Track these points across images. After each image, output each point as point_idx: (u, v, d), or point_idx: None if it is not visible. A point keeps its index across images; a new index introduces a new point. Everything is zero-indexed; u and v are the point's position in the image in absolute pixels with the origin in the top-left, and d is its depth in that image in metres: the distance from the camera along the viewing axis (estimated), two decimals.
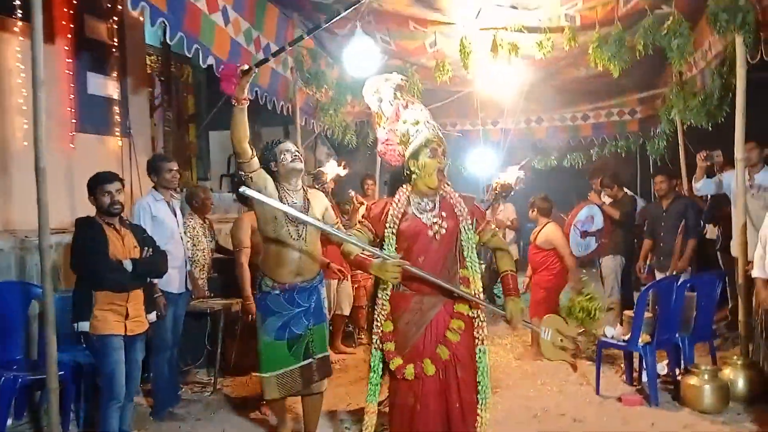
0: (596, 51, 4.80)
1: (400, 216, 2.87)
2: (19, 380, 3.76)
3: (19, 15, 5.27)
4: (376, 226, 2.88)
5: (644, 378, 4.67)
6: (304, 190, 3.50)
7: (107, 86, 6.20)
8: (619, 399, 4.49)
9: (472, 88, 6.52)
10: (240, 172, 3.22)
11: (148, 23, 4.04)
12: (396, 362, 2.80)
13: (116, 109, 6.26)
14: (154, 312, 3.86)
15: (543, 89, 7.14)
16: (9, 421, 3.88)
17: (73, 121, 5.65)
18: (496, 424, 3.37)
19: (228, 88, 2.72)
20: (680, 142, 7.04)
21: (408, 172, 2.90)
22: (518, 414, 4.26)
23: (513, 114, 7.53)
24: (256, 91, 5.34)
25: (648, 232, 5.88)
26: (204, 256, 5.07)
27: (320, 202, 3.55)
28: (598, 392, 4.64)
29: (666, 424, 4.03)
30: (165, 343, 4.32)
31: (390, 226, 2.85)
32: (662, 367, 4.84)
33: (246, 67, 2.95)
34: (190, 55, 4.37)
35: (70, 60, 5.62)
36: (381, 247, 2.83)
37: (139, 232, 3.74)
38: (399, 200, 2.92)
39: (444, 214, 2.87)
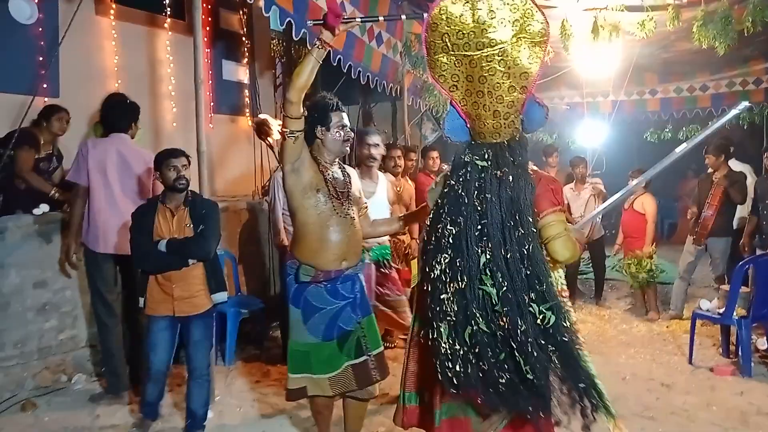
0: (700, 29, 4.72)
1: None
2: None
3: (168, 12, 6.09)
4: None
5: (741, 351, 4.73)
6: (339, 164, 3.02)
7: (238, 72, 6.96)
8: (711, 369, 4.60)
9: (577, 63, 6.60)
10: (284, 130, 2.77)
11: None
12: None
13: (246, 92, 7.04)
14: (224, 292, 3.49)
15: (655, 62, 7.02)
16: None
17: (212, 104, 6.46)
18: None
19: (333, 20, 2.62)
20: None
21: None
22: (606, 377, 4.29)
23: (623, 86, 7.47)
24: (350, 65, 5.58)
25: (753, 208, 5.72)
26: None
27: (356, 180, 3.12)
28: (690, 362, 4.77)
29: (754, 394, 4.11)
30: None
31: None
32: (763, 342, 4.85)
33: (346, 16, 2.87)
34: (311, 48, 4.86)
35: (209, 50, 6.38)
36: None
37: (198, 210, 3.40)
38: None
39: None
